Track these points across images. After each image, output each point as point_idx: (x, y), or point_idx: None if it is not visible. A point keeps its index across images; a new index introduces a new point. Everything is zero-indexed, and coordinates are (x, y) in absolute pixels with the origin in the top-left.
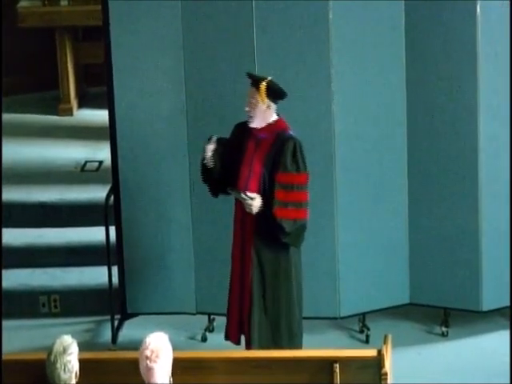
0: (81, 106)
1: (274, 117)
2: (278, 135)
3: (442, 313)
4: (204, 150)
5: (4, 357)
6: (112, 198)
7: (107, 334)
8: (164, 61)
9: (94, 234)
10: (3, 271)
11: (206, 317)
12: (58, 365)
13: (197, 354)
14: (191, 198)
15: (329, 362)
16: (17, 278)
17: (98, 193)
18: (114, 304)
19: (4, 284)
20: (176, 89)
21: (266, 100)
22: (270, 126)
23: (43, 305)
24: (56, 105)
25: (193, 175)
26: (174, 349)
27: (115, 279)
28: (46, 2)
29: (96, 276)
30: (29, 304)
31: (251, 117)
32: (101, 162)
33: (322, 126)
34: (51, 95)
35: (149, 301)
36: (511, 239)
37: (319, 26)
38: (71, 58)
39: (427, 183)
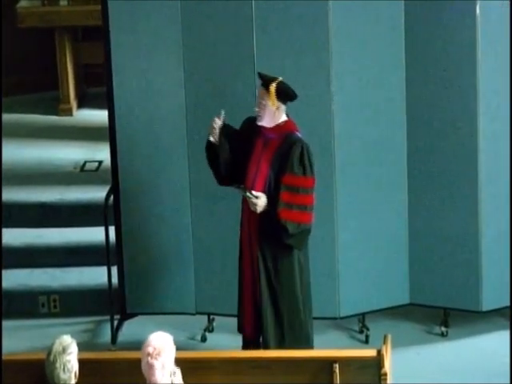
0: (80, 106)
1: (284, 118)
2: (286, 137)
3: (441, 313)
4: (211, 125)
5: (4, 357)
6: (112, 198)
7: (107, 334)
8: (164, 61)
9: (94, 234)
10: (3, 271)
11: (205, 317)
12: (58, 364)
13: (196, 354)
14: (191, 198)
15: (328, 362)
16: (16, 278)
17: (97, 193)
18: (113, 304)
19: (4, 284)
20: (176, 89)
21: (276, 102)
22: (278, 126)
23: (43, 305)
24: (56, 105)
25: (192, 175)
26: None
27: (115, 279)
28: (46, 2)
29: (95, 276)
30: (28, 304)
31: (260, 116)
32: (100, 162)
33: (322, 126)
34: (51, 95)
35: (148, 301)
36: (511, 239)
37: (319, 26)
38: (71, 58)
39: (427, 183)
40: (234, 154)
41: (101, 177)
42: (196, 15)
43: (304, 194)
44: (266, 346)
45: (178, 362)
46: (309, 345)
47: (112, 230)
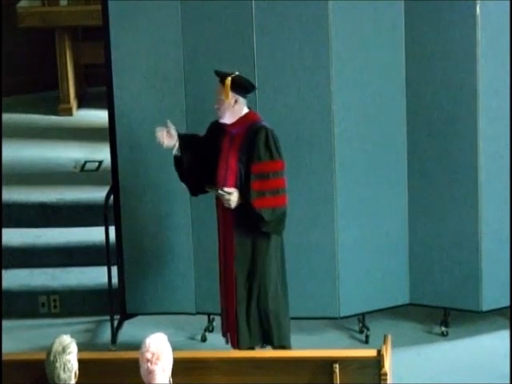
0: (80, 106)
1: (245, 110)
2: (249, 128)
3: (441, 313)
4: (157, 137)
5: (4, 357)
6: (112, 198)
7: (107, 334)
8: (164, 61)
9: (94, 234)
10: (3, 271)
11: (205, 317)
12: (58, 364)
13: (196, 354)
14: (191, 198)
15: (328, 362)
16: (16, 278)
17: (97, 193)
18: (113, 304)
19: (4, 284)
20: (176, 89)
21: (231, 95)
22: (241, 119)
23: (43, 305)
24: (56, 105)
25: None
26: (174, 349)
27: (115, 279)
28: (46, 2)
29: (96, 276)
30: (28, 304)
31: (220, 113)
32: (100, 162)
33: (322, 126)
34: (51, 95)
35: (148, 301)
36: (511, 239)
37: (319, 26)
38: (71, 58)
39: (427, 183)
40: (204, 160)
41: (101, 177)
42: (196, 15)
43: (274, 177)
44: (238, 346)
45: (178, 362)
46: (287, 344)
47: (112, 229)
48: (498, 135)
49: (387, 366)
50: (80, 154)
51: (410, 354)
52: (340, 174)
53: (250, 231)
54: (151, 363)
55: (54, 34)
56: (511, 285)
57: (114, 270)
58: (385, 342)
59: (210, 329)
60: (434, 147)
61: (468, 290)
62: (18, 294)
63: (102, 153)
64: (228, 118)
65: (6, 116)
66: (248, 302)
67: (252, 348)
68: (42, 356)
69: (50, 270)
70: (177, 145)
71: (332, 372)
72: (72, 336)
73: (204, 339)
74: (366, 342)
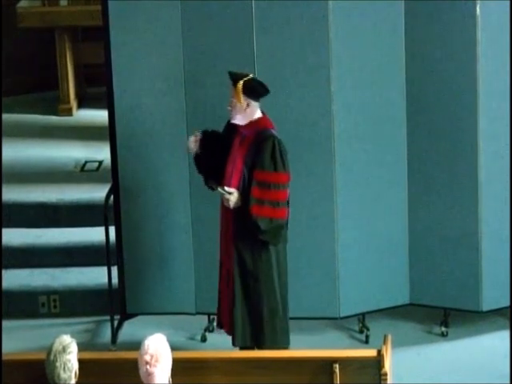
0: (80, 106)
1: (258, 114)
2: (258, 134)
3: (441, 313)
4: (188, 147)
5: (4, 357)
6: (112, 198)
7: (107, 334)
8: (164, 61)
9: (94, 234)
10: (3, 271)
11: (205, 317)
12: (58, 364)
13: (196, 354)
14: (191, 198)
15: (329, 363)
16: (16, 278)
17: (97, 193)
18: (113, 304)
19: (4, 284)
20: (176, 89)
21: (243, 98)
22: (252, 123)
23: (43, 305)
24: (56, 105)
25: (192, 175)
26: (174, 349)
27: (115, 279)
28: (46, 2)
29: (96, 276)
30: (28, 304)
31: (232, 115)
32: (100, 162)
33: (322, 126)
34: (51, 95)
35: (148, 301)
36: (511, 239)
37: (319, 26)
38: (71, 59)
39: (427, 183)
40: (219, 157)
41: (101, 177)
42: (196, 15)
43: (276, 189)
44: (234, 344)
45: (178, 362)
46: (286, 345)
47: (112, 229)
48: (498, 135)
49: (387, 366)
50: (80, 154)
51: (410, 354)
52: (340, 174)
53: (249, 234)
54: (150, 365)
55: (54, 34)
56: (511, 285)
57: (114, 270)
58: (385, 342)
59: (209, 329)
60: (434, 147)
61: (468, 290)
62: (18, 294)
63: (102, 153)
64: (239, 120)
65: (6, 116)
66: (244, 302)
67: (252, 348)
68: (42, 356)
69: (50, 270)
70: (197, 145)
71: (332, 372)
72: (72, 336)
73: (204, 339)
74: (366, 342)
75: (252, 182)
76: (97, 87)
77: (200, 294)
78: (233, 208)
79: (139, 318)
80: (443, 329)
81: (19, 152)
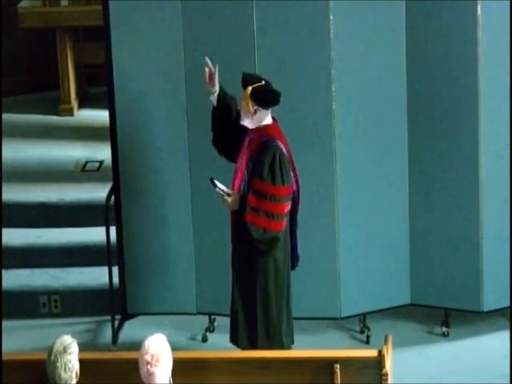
0: (81, 106)
1: (268, 121)
2: (263, 142)
3: (442, 313)
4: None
5: (5, 357)
6: (112, 198)
7: (108, 335)
8: (165, 61)
9: (95, 234)
10: (3, 271)
11: (206, 317)
12: (59, 364)
13: (197, 354)
14: (192, 197)
15: (329, 363)
16: (17, 279)
17: (98, 193)
18: (114, 304)
19: (4, 284)
20: (176, 89)
21: (251, 104)
22: (259, 129)
23: (43, 305)
24: (57, 105)
25: (193, 175)
26: (175, 349)
27: (116, 279)
28: (47, 3)
29: (96, 276)
30: (29, 304)
31: (241, 117)
32: (101, 162)
33: (323, 126)
34: (52, 95)
35: (149, 301)
36: (511, 240)
37: (320, 26)
38: (72, 59)
39: (428, 183)
40: (233, 127)
41: (102, 177)
42: (197, 15)
43: (272, 202)
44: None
45: (179, 362)
46: (281, 345)
47: (113, 230)
48: (499, 136)
49: (388, 366)
50: (81, 153)
51: (411, 355)
52: (341, 174)
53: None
54: (151, 365)
55: (55, 34)
56: (511, 285)
57: (115, 270)
58: (386, 342)
59: (210, 329)
60: (435, 147)
61: (469, 291)
62: (18, 294)
63: (102, 153)
64: (248, 123)
65: (6, 116)
66: (241, 306)
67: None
68: (43, 356)
69: (50, 270)
70: (215, 95)
71: (333, 372)
72: (73, 336)
73: (205, 339)
74: (367, 342)
75: (250, 190)
76: (98, 87)
77: (201, 294)
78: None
79: (140, 318)
80: (444, 329)
81: (20, 152)
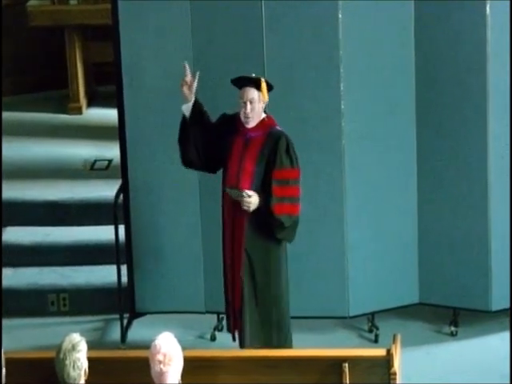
0: (90, 104)
1: (263, 114)
2: (269, 133)
3: (451, 312)
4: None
5: (13, 355)
6: (121, 196)
7: (116, 333)
8: (173, 60)
9: (103, 233)
10: (12, 270)
11: (215, 316)
12: (67, 362)
13: (206, 353)
14: (200, 196)
15: (338, 362)
16: (25, 277)
17: (107, 191)
18: (123, 303)
19: (13, 282)
20: None
21: (267, 95)
22: (260, 123)
23: (52, 303)
24: (65, 104)
25: (202, 174)
26: (183, 348)
27: (124, 278)
28: (56, 1)
29: (105, 275)
30: (37, 302)
31: (250, 120)
32: (110, 161)
33: (332, 125)
34: (61, 94)
35: (158, 300)
36: (511, 240)
37: (328, 25)
38: (80, 57)
39: (436, 183)
40: (208, 142)
41: (110, 175)
42: (205, 15)
43: (293, 185)
44: (242, 345)
45: (188, 361)
46: (289, 344)
47: (121, 228)
48: (508, 136)
49: (396, 365)
50: (90, 152)
51: (420, 354)
52: (349, 173)
53: (262, 236)
54: (164, 364)
55: (64, 33)
56: (511, 285)
57: (124, 268)
58: (394, 341)
59: (219, 328)
60: (444, 147)
61: (477, 290)
62: (27, 292)
63: (111, 151)
64: (255, 122)
65: (14, 115)
66: (254, 304)
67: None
68: (52, 354)
69: (59, 269)
70: (190, 105)
71: (341, 371)
72: (81, 334)
73: (213, 338)
74: (376, 341)
75: (272, 182)
76: (106, 86)
77: (209, 293)
78: (246, 211)
79: (148, 316)
80: (452, 328)
81: (28, 151)
